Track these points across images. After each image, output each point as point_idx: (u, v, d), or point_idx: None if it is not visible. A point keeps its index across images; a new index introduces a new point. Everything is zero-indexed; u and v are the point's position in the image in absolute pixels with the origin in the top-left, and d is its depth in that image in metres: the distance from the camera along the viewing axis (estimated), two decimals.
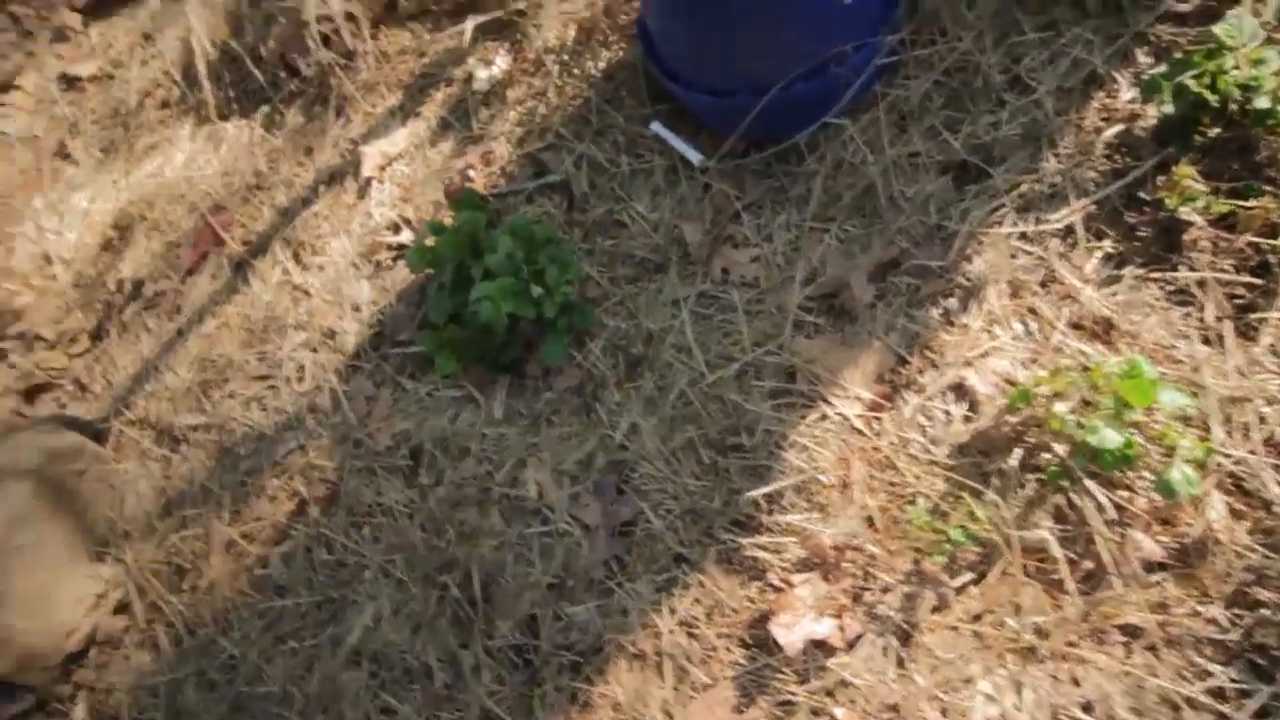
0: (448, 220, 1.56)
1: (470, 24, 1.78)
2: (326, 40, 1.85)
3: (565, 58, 1.73)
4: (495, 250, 1.41)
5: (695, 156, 1.54)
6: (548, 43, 1.75)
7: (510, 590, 1.35)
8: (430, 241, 1.53)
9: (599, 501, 1.37)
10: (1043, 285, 1.27)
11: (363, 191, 1.77)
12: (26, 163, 2.18)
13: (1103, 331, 1.21)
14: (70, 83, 2.29)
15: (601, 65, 1.69)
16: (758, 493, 1.27)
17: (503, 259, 1.39)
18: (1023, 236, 1.30)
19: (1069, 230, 1.28)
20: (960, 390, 1.25)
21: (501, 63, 1.77)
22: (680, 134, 1.57)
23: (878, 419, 1.28)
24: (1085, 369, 1.17)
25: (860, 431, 1.27)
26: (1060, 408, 1.13)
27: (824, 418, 1.30)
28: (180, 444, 1.66)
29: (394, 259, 1.69)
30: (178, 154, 2.01)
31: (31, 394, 1.84)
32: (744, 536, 1.26)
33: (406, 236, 1.68)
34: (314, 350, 1.65)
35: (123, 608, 1.56)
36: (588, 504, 1.37)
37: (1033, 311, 1.26)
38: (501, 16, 1.80)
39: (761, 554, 1.24)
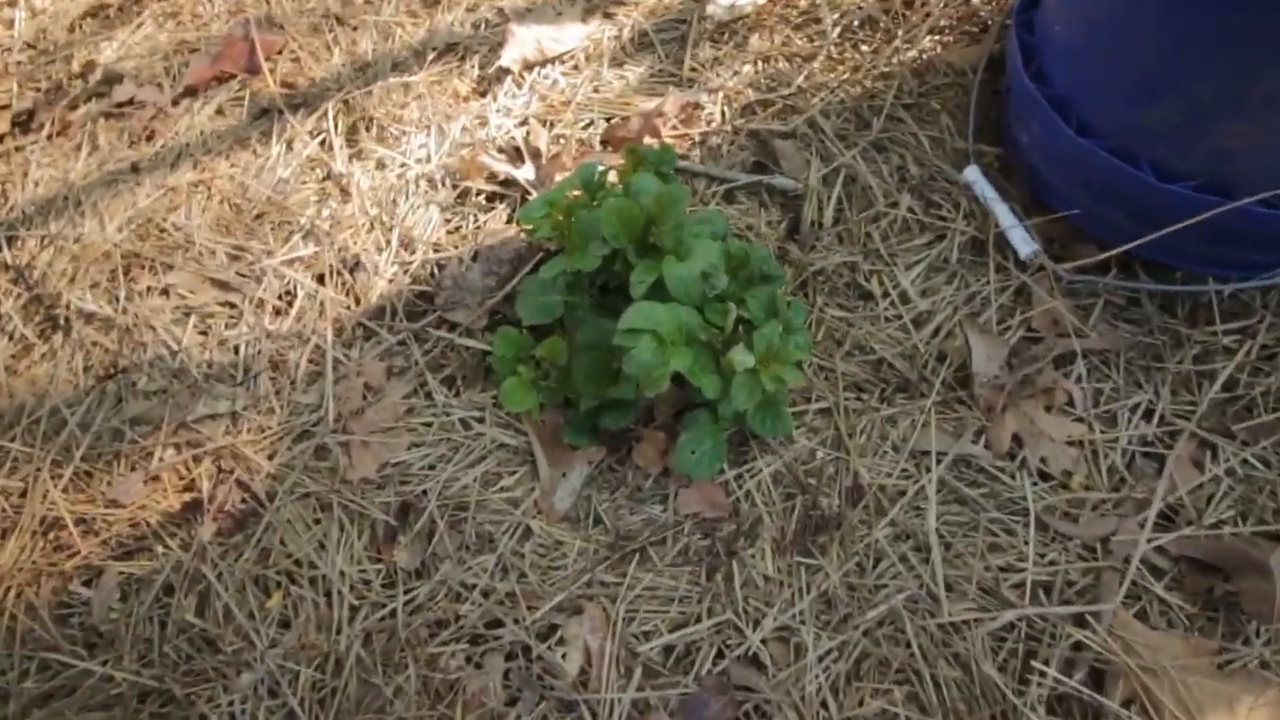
0: (613, 176, 0.95)
1: None
2: None
3: (855, 22, 1.14)
4: (687, 256, 0.80)
5: (1027, 245, 0.94)
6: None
7: None
8: (574, 195, 0.92)
9: None
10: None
11: (488, 84, 1.17)
12: None
13: None
14: None
15: (913, 51, 1.10)
16: None
17: (694, 278, 0.78)
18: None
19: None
20: None
21: None
22: (1008, 200, 0.98)
23: None
24: None
25: None
26: None
27: None
28: (57, 331, 1.02)
29: (493, 198, 1.08)
30: None
31: None
32: None
33: (526, 174, 1.07)
34: (319, 279, 1.03)
35: None
36: None
37: None
38: None
39: None
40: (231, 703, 0.81)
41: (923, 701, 0.75)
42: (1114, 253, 0.86)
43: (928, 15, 1.11)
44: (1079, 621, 0.78)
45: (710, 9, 1.18)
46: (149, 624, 0.86)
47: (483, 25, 1.23)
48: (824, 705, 0.76)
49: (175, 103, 1.20)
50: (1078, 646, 0.76)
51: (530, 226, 0.91)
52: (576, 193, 0.92)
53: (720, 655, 0.80)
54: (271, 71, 1.20)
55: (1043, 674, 0.75)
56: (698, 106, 1.11)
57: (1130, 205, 0.87)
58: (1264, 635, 0.75)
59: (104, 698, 0.82)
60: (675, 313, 0.77)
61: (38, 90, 1.27)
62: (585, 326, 0.87)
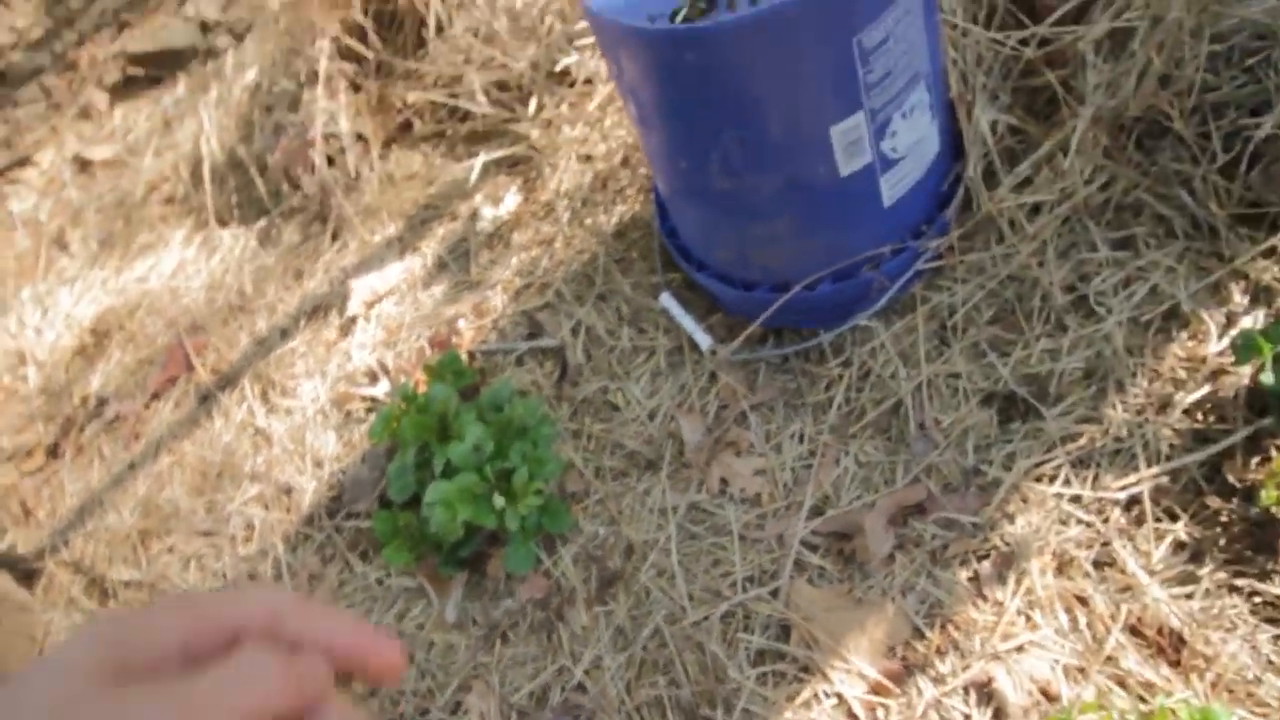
0: (423, 385, 1.39)
1: (481, 159, 1.64)
2: (331, 160, 1.73)
3: (578, 204, 1.57)
4: (463, 438, 1.23)
5: (705, 341, 1.35)
6: (561, 185, 1.60)
7: None
8: (400, 403, 1.36)
9: None
10: (1097, 567, 1.04)
11: (346, 329, 1.63)
12: (25, 248, 2.09)
13: (1170, 647, 0.97)
14: (83, 165, 2.22)
15: (614, 220, 1.53)
16: None
17: (468, 452, 1.22)
18: (1076, 500, 1.08)
19: (1134, 502, 1.05)
20: (985, 690, 1.02)
21: (510, 202, 1.63)
22: (692, 312, 1.39)
23: (884, 707, 1.06)
24: (1143, 701, 0.93)
25: None
26: None
27: (817, 698, 1.08)
28: (109, 599, 1.50)
29: (366, 411, 1.53)
30: (169, 258, 1.90)
31: None
32: None
33: (382, 389, 1.52)
34: (266, 507, 1.49)
35: None
36: None
37: (1082, 601, 1.03)
38: (517, 152, 1.66)
39: None
40: None
41: (678, 682, 1.16)
42: (742, 336, 1.27)
43: (621, 189, 1.53)
44: (772, 595, 1.17)
45: (480, 224, 1.62)
46: None
47: (335, 284, 1.70)
48: (622, 703, 1.17)
49: (146, 407, 1.69)
50: (768, 623, 1.16)
51: (375, 439, 1.36)
52: (400, 402, 1.37)
53: (562, 689, 1.21)
54: (203, 366, 1.68)
55: (748, 641, 1.14)
56: (485, 302, 1.55)
57: (744, 305, 1.27)
58: (875, 574, 1.13)
59: None
60: (459, 481, 1.20)
61: (56, 424, 1.77)
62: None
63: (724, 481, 1.28)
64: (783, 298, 1.19)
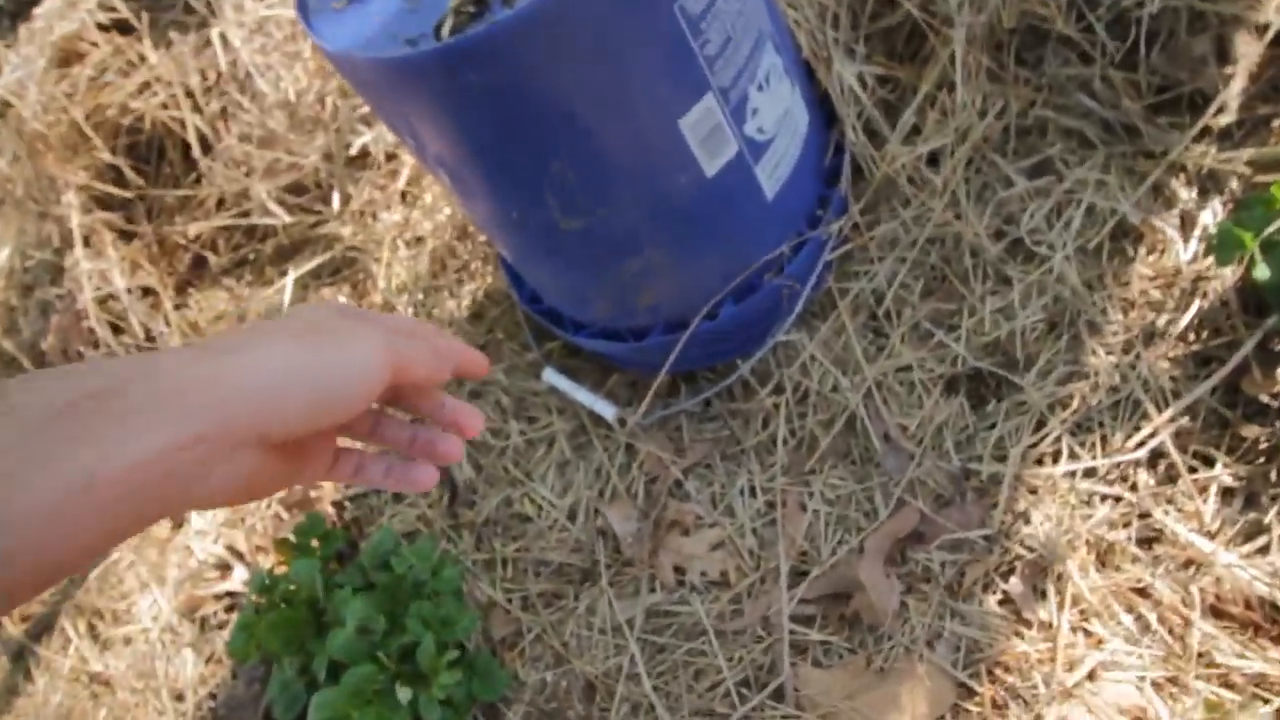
0: (283, 566, 1.10)
1: (291, 276, 1.38)
2: (117, 326, 1.43)
3: (419, 297, 1.33)
4: (343, 623, 0.95)
5: (609, 411, 1.12)
6: (394, 280, 1.35)
7: None
8: (257, 600, 1.06)
9: None
10: (1145, 546, 0.85)
11: (177, 519, 1.32)
12: None
13: (1265, 620, 0.78)
14: None
15: (465, 303, 1.29)
16: None
17: (352, 640, 0.94)
18: (1091, 474, 0.90)
19: (1157, 457, 0.88)
20: None
21: None
22: (584, 382, 1.16)
23: None
24: (1262, 700, 0.74)
25: None
26: None
27: None
28: None
29: (226, 610, 1.22)
30: None
31: None
32: None
33: (240, 577, 1.22)
34: None
35: None
36: None
37: (1143, 593, 0.84)
38: (334, 256, 1.41)
39: None
40: None
41: None
42: (654, 385, 1.05)
43: (464, 265, 1.30)
44: (777, 697, 0.93)
45: None
46: None
47: None
48: None
49: None
50: (785, 717, 0.92)
51: (240, 658, 1.05)
52: (258, 599, 1.07)
53: None
54: (6, 616, 1.33)
55: None
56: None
57: (641, 357, 1.06)
58: (891, 632, 0.91)
59: None
60: (349, 682, 0.92)
61: None
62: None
63: (679, 570, 1.04)
64: (683, 335, 0.98)
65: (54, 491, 0.28)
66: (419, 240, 1.35)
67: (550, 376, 1.18)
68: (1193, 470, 0.85)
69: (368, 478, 0.45)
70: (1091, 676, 0.82)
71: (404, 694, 0.88)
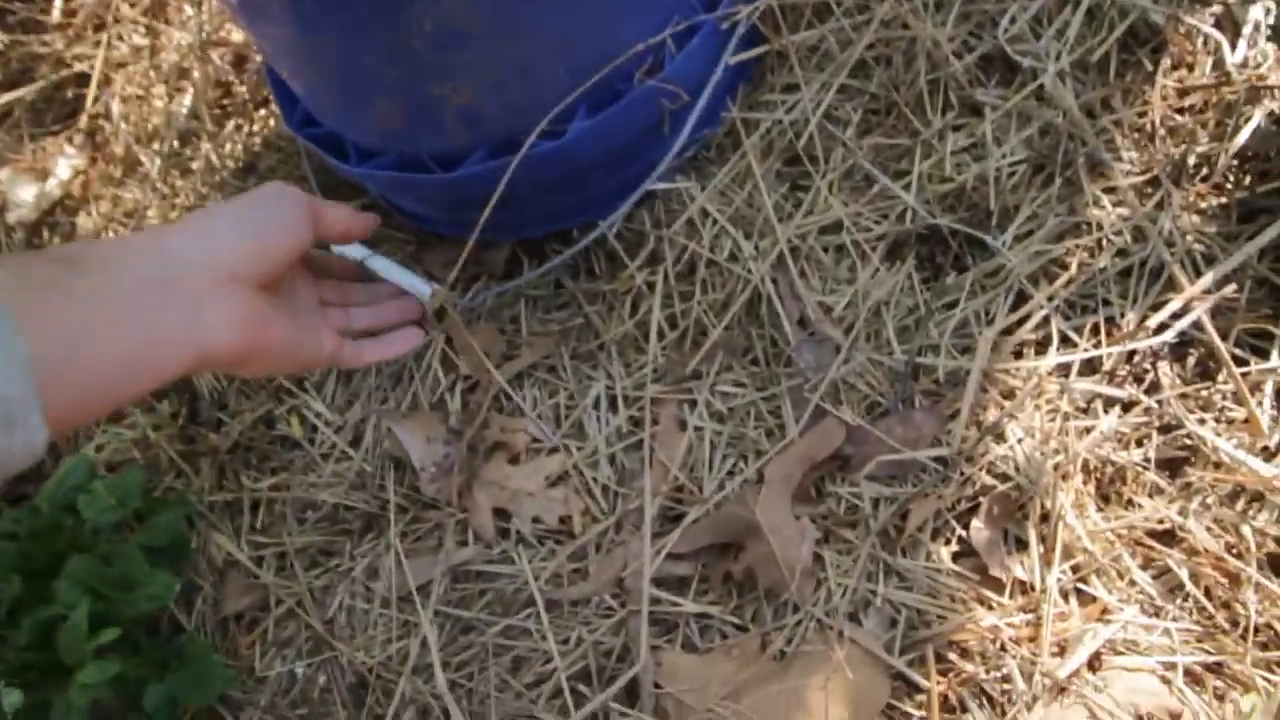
0: None
1: None
2: None
3: (173, 144, 0.96)
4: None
5: (422, 286, 0.78)
6: (146, 122, 0.98)
7: None
8: None
9: None
10: (1168, 470, 0.58)
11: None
12: None
13: None
14: None
15: (237, 151, 0.93)
16: None
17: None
18: (1090, 369, 0.62)
19: (1186, 344, 0.60)
20: None
21: (65, 169, 0.99)
22: (394, 255, 0.82)
23: None
24: None
25: None
26: None
27: None
28: None
29: None
30: None
31: None
32: None
33: None
34: None
35: None
36: None
37: (1168, 538, 0.56)
38: (58, 83, 1.02)
39: None
40: None
41: None
42: (470, 241, 0.71)
43: (240, 103, 0.94)
44: (629, 699, 0.63)
45: (16, 215, 0.97)
46: None
47: None
48: None
49: None
50: None
51: None
52: None
53: None
54: None
55: None
56: None
57: (454, 204, 0.73)
58: (798, 601, 0.62)
59: None
60: None
61: None
62: None
63: (501, 515, 0.72)
64: (514, 160, 0.65)
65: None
66: (184, 73, 0.97)
67: (341, 245, 0.83)
68: (1240, 362, 0.58)
69: (362, 324, 0.68)
70: (1094, 664, 0.54)
71: (11, 698, 0.53)
